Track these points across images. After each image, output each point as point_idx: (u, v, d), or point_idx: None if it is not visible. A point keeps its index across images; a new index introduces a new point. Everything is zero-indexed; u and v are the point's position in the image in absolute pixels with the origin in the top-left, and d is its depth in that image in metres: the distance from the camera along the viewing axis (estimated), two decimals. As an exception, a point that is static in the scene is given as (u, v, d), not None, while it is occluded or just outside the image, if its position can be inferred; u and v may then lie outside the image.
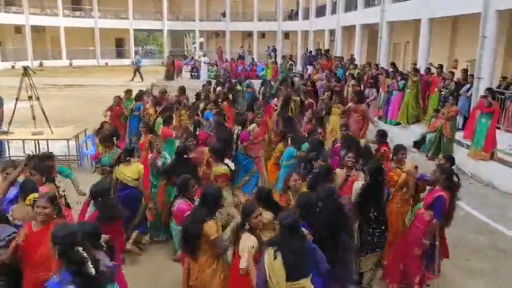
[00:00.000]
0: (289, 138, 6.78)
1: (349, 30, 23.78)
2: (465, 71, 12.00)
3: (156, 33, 46.68)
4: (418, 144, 10.82)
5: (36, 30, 34.48)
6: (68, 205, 4.71)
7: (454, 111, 9.99)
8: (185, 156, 5.71)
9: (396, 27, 18.49)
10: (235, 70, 25.19)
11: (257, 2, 35.76)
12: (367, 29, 21.72)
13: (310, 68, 22.45)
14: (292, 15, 36.19)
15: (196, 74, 28.00)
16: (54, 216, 3.66)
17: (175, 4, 39.89)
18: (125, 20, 37.65)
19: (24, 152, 8.74)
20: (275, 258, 3.25)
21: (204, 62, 26.73)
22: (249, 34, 38.67)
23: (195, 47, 41.04)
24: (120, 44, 40.01)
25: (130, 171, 5.64)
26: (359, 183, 4.89)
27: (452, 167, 5.27)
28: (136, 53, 29.25)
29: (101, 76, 26.90)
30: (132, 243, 5.61)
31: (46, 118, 9.27)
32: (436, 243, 4.78)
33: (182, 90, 11.73)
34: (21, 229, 3.74)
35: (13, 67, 29.05)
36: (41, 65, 31.90)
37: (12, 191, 4.52)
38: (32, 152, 6.86)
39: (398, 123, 12.78)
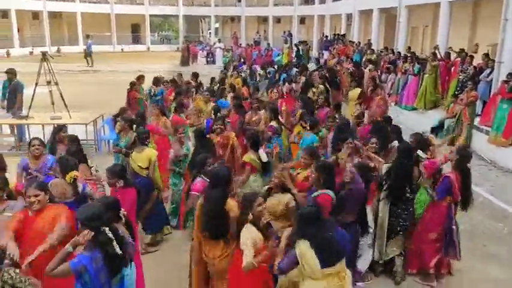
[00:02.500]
0: (308, 124, 6.54)
1: (366, 14, 23.35)
2: (486, 55, 11.70)
3: (172, 19, 46.65)
4: (436, 129, 10.66)
5: (53, 16, 34.76)
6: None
7: (473, 96, 9.78)
8: (205, 136, 5.67)
9: (415, 11, 18.08)
10: (251, 55, 25.07)
11: (273, -13, 35.43)
12: (385, 12, 21.29)
13: (326, 53, 22.23)
14: (308, 0, 35.72)
15: (211, 59, 28.07)
16: (48, 201, 3.57)
17: (190, -11, 39.79)
18: (140, 6, 37.70)
19: (43, 136, 8.91)
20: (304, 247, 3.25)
21: (220, 48, 26.69)
22: (265, 19, 38.35)
23: (210, 33, 40.91)
24: (136, 29, 40.10)
25: (140, 160, 5.38)
26: (386, 165, 4.92)
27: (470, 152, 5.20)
28: (87, 37, 29.16)
29: (117, 62, 27.04)
30: (146, 246, 5.44)
31: (64, 103, 9.38)
32: (453, 227, 4.74)
33: (195, 75, 11.80)
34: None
35: (31, 53, 29.43)
36: (58, 51, 32.19)
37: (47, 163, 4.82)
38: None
39: (414, 109, 12.58)
